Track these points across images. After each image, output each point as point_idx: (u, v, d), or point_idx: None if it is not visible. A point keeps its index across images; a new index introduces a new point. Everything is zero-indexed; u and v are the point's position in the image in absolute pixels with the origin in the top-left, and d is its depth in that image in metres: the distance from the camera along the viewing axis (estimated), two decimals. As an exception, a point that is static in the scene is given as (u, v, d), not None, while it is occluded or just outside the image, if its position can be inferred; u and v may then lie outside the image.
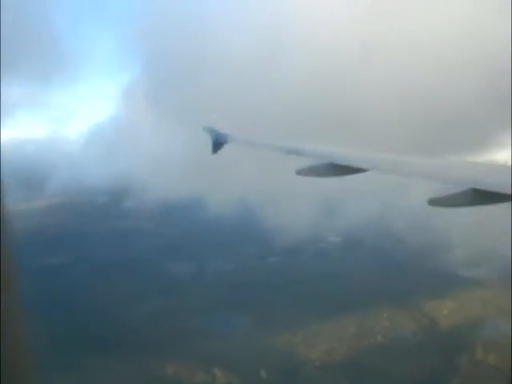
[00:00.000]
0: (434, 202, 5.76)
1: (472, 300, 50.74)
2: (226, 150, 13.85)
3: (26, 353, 1.75)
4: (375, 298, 52.85)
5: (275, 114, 74.84)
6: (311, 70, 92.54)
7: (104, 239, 73.25)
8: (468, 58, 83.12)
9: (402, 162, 7.89)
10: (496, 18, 71.39)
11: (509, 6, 48.70)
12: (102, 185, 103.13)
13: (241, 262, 68.92)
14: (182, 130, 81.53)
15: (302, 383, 36.17)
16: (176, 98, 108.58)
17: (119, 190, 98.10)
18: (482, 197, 5.36)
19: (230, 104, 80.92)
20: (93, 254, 69.07)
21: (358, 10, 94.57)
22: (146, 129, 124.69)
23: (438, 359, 39.43)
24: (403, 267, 63.55)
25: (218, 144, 13.90)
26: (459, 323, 45.95)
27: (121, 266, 66.42)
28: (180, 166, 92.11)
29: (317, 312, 49.91)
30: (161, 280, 61.69)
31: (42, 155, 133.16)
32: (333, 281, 59.84)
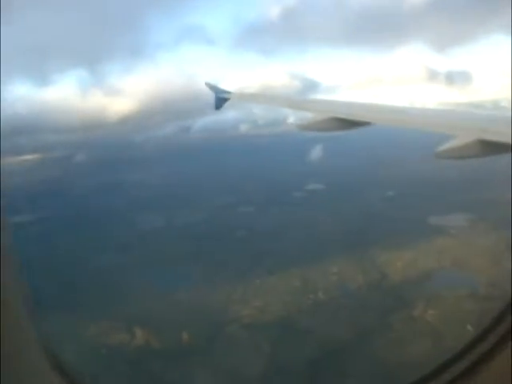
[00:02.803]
0: (441, 154, 5.68)
1: (430, 251, 48.15)
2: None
3: None
4: (332, 250, 51.00)
5: None
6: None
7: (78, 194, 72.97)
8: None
9: (405, 114, 7.81)
10: None
11: None
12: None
13: (209, 212, 67.55)
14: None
15: (220, 344, 35.08)
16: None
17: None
18: (488, 148, 5.26)
19: None
20: (64, 210, 68.98)
21: None
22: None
23: (372, 317, 37.61)
24: (374, 216, 61.06)
25: (220, 100, 13.73)
26: (409, 277, 43.75)
27: (89, 221, 66.18)
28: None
29: (268, 265, 48.57)
30: (124, 234, 61.24)
31: None
32: (296, 232, 58.10)
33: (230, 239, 58.06)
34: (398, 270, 45.54)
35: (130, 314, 39.35)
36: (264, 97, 13.33)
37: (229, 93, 13.81)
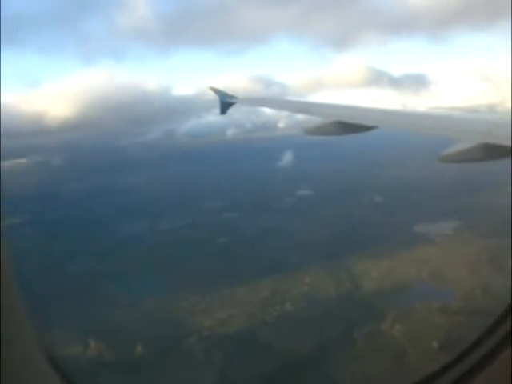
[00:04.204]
0: (446, 158, 5.64)
1: (410, 260, 46.17)
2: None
3: None
4: (310, 259, 49.50)
5: None
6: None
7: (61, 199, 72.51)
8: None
9: (410, 118, 7.73)
10: None
11: None
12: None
13: (194, 217, 66.47)
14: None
15: (174, 358, 33.80)
16: None
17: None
18: (493, 151, 5.21)
19: None
20: (48, 214, 68.55)
21: None
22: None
23: (337, 331, 35.94)
24: (359, 223, 59.32)
25: (226, 104, 13.69)
26: (383, 288, 41.93)
27: (71, 226, 65.66)
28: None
29: (242, 273, 47.23)
30: (105, 240, 60.47)
31: None
32: (277, 239, 56.59)
33: (210, 246, 56.89)
34: (373, 280, 43.75)
35: (89, 323, 38.29)
36: (270, 101, 13.31)
37: (234, 97, 13.71)
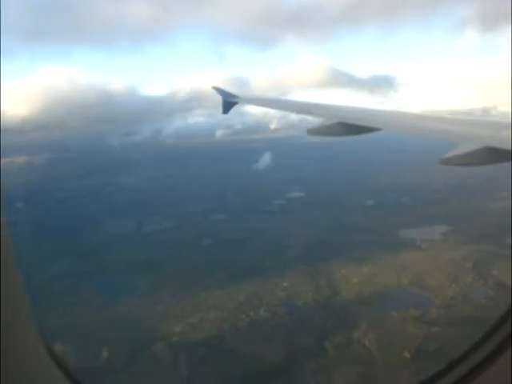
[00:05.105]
0: (447, 161, 5.51)
1: (392, 266, 44.94)
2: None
3: None
4: (291, 262, 48.60)
5: None
6: None
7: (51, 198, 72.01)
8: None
9: (413, 120, 7.64)
10: None
11: None
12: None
13: (182, 219, 65.69)
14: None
15: (139, 364, 32.92)
16: None
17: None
18: (496, 155, 5.07)
19: None
20: (33, 214, 68.03)
21: None
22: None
23: (309, 338, 34.82)
24: (347, 227, 58.20)
25: (228, 104, 13.73)
26: (362, 295, 40.73)
27: (58, 226, 65.18)
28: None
29: (221, 276, 46.40)
30: (90, 240, 59.91)
31: None
32: (263, 242, 55.68)
33: (194, 248, 56.13)
34: (352, 286, 42.57)
35: (58, 326, 37.46)
36: (271, 101, 13.31)
37: (236, 97, 13.76)
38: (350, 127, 7.67)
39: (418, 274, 42.78)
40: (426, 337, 33.04)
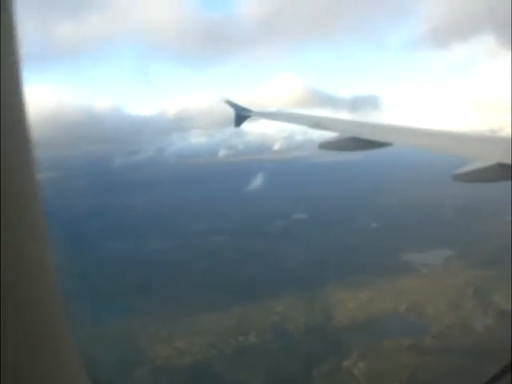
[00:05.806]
0: (460, 177, 5.60)
1: (390, 291, 43.46)
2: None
3: None
4: (288, 286, 47.32)
5: None
6: None
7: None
8: None
9: (426, 136, 7.60)
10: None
11: None
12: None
13: (182, 239, 65.14)
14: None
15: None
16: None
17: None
18: (509, 171, 5.02)
19: None
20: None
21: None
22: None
23: (297, 366, 33.58)
24: (348, 250, 56.87)
25: (241, 117, 13.88)
26: (356, 321, 39.38)
27: (57, 244, 64.98)
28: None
29: (214, 299, 45.39)
30: (88, 259, 59.56)
31: None
32: (260, 264, 54.65)
33: (191, 269, 55.35)
34: (347, 311, 41.23)
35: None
36: (284, 115, 13.35)
37: (249, 111, 13.86)
38: (362, 142, 7.66)
39: (415, 300, 41.26)
40: (418, 367, 31.53)
